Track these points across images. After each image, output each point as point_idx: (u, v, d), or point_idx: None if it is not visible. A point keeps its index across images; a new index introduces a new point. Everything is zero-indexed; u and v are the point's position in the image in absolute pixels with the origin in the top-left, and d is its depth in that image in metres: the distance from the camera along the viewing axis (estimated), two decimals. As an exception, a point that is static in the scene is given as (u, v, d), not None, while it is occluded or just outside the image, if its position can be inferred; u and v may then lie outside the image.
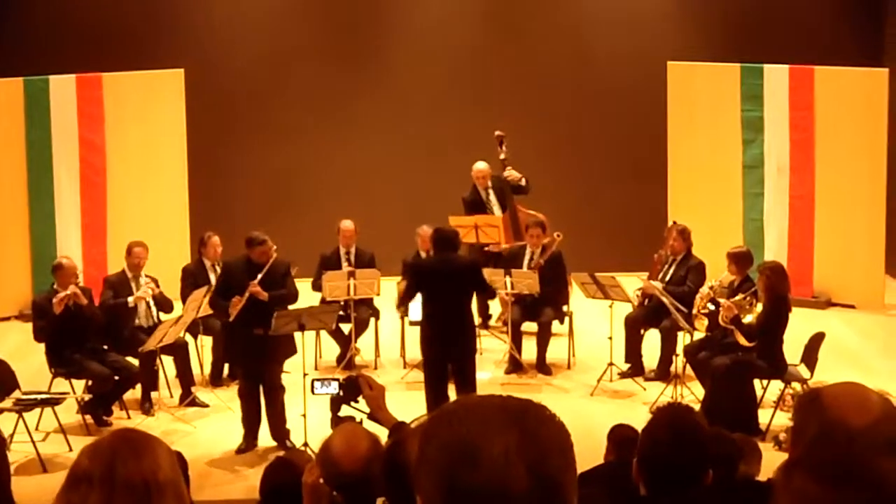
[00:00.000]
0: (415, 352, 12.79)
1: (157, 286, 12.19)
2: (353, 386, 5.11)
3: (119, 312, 11.88)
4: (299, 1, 16.92)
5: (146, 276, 12.14)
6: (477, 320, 12.60)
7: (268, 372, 10.89)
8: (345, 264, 13.23)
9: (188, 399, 11.98)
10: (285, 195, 16.59)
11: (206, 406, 12.00)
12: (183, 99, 15.54)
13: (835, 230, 15.10)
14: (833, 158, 15.04)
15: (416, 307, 12.23)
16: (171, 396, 12.14)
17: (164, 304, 12.27)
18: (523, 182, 14.25)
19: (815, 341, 11.34)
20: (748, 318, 11.06)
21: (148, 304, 12.10)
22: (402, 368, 13.00)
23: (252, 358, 10.87)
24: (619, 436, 7.27)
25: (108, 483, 2.55)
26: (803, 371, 11.19)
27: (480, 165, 14.28)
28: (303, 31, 16.80)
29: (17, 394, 10.92)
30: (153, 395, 11.90)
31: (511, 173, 14.26)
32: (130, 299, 11.94)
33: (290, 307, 11.13)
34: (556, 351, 13.17)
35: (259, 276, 10.82)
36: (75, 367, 11.36)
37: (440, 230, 11.43)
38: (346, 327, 12.95)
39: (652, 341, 12.68)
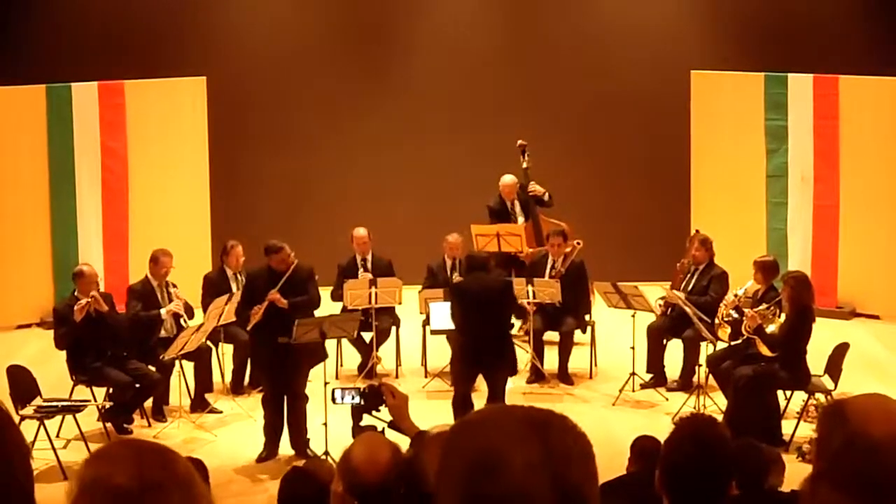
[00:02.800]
0: (436, 361, 12.80)
1: (178, 292, 12.19)
2: (376, 395, 5.08)
3: (147, 324, 11.86)
4: (320, 10, 16.93)
5: (171, 283, 12.14)
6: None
7: (292, 381, 10.88)
8: (361, 272, 13.20)
9: (203, 406, 11.95)
10: (306, 203, 16.59)
11: (220, 412, 11.99)
12: (205, 106, 15.58)
13: (859, 240, 15.01)
14: (858, 168, 14.97)
15: (438, 315, 12.23)
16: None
17: (187, 311, 12.24)
18: (546, 197, 14.25)
19: (840, 352, 11.30)
20: (771, 328, 11.02)
21: (176, 316, 12.06)
22: (423, 377, 12.97)
23: (277, 367, 10.86)
24: (642, 446, 7.24)
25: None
26: (827, 382, 11.15)
27: (508, 179, 14.28)
28: (324, 39, 16.81)
29: (38, 401, 10.95)
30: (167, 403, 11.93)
31: (535, 188, 14.25)
32: (163, 311, 11.89)
33: (315, 312, 11.13)
34: (578, 360, 13.13)
35: (279, 283, 10.83)
36: (96, 375, 11.37)
37: (472, 255, 11.86)
38: (367, 336, 12.93)
39: (674, 351, 12.63)
